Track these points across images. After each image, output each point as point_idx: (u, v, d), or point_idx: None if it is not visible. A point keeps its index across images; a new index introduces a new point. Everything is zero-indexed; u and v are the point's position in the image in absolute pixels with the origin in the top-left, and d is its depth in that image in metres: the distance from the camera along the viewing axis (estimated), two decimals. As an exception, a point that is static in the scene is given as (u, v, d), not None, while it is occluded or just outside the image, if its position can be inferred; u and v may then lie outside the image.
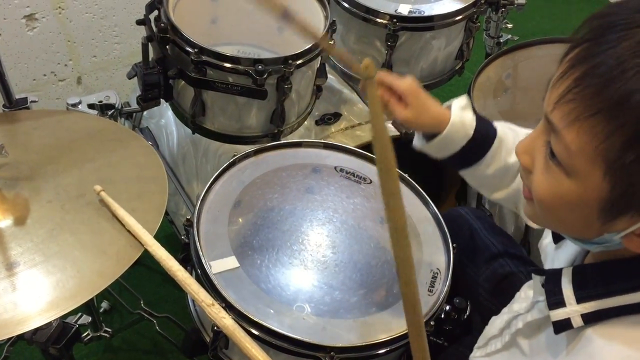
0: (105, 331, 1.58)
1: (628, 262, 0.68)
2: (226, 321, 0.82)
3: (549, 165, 0.65)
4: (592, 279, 0.70)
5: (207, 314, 0.84)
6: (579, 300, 0.69)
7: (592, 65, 0.59)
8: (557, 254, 0.86)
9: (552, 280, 0.73)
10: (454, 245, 1.16)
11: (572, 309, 0.69)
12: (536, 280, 0.80)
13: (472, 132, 1.02)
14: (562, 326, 0.71)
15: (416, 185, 1.26)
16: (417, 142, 1.10)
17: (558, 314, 0.71)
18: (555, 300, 0.71)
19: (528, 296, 0.85)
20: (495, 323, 0.93)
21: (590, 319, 0.68)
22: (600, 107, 0.57)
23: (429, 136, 1.05)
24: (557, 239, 0.82)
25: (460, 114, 1.03)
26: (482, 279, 1.21)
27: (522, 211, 1.03)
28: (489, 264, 1.19)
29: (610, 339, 0.66)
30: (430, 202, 1.23)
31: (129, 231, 0.93)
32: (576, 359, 0.69)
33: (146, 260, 1.86)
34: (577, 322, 0.69)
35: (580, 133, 0.59)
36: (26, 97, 1.28)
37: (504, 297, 0.95)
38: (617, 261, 0.69)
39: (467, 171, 1.08)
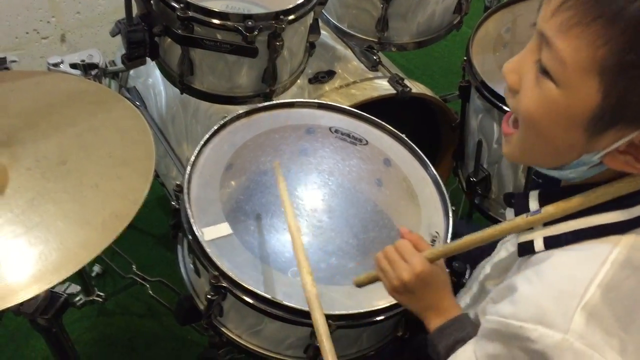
0: (98, 295, 1.57)
1: (591, 186, 0.68)
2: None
3: (539, 80, 0.64)
4: (557, 201, 0.71)
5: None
6: (545, 223, 0.71)
7: None
8: None
9: (521, 203, 0.75)
10: (453, 208, 1.13)
11: (538, 232, 0.71)
12: (508, 213, 0.80)
13: None
14: (525, 249, 0.73)
15: (414, 146, 1.23)
16: None
17: (524, 237, 0.73)
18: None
19: None
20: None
21: (551, 243, 0.70)
22: (600, 13, 0.57)
23: None
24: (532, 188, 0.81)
25: None
26: None
27: None
28: None
29: (559, 258, 0.68)
30: (429, 164, 1.20)
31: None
32: (524, 273, 0.70)
33: (138, 223, 1.88)
34: (539, 245, 0.71)
35: (578, 40, 0.59)
36: (5, 57, 1.23)
37: None
38: (582, 185, 0.70)
39: None
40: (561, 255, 0.69)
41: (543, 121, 0.65)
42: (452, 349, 0.79)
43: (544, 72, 0.63)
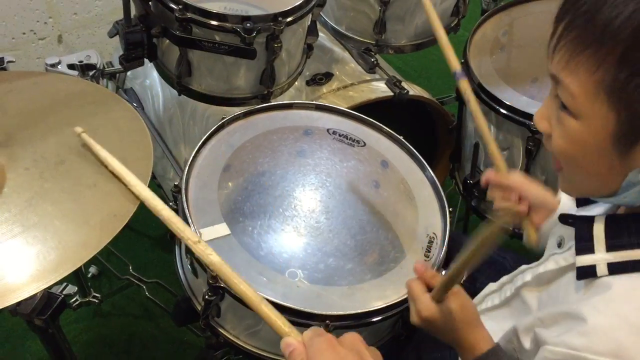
0: (94, 297, 1.57)
1: None
2: (213, 258, 0.78)
3: (561, 117, 0.68)
4: (626, 228, 0.70)
5: (193, 251, 0.81)
6: (609, 248, 0.69)
7: (575, 7, 0.64)
8: None
9: (583, 226, 0.74)
10: (449, 209, 1.13)
11: (600, 257, 0.70)
12: (558, 228, 0.80)
13: None
14: (585, 273, 0.71)
15: (412, 148, 1.23)
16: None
17: (584, 260, 0.71)
18: (584, 245, 0.72)
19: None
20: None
21: (616, 269, 0.68)
22: (588, 43, 0.62)
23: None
24: (580, 202, 0.82)
25: None
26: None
27: None
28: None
29: (630, 289, 0.67)
30: (427, 165, 1.20)
31: (112, 172, 0.89)
32: (591, 302, 0.68)
33: (134, 224, 1.88)
34: (602, 270, 0.69)
35: (577, 71, 0.64)
36: (2, 57, 1.22)
37: None
38: None
39: None
40: (631, 283, 0.67)
41: (575, 154, 0.69)
42: None
43: (564, 106, 0.67)
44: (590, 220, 0.73)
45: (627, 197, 0.69)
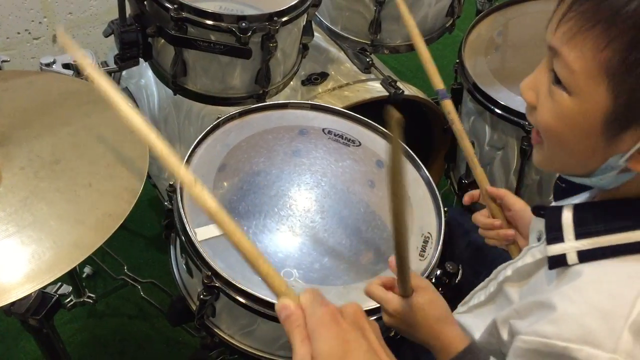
0: (89, 297, 1.56)
1: (630, 200, 0.69)
2: (209, 203, 0.68)
3: (552, 90, 0.67)
4: (592, 215, 0.70)
5: (189, 193, 0.74)
6: (578, 236, 0.70)
7: None
8: None
9: (553, 216, 0.74)
10: (445, 209, 1.13)
11: (570, 245, 0.70)
12: (535, 222, 0.80)
13: None
14: (556, 262, 0.71)
15: (407, 148, 1.23)
16: None
17: (555, 249, 0.71)
18: (554, 235, 0.72)
19: None
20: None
21: (586, 256, 0.68)
22: (599, 18, 0.60)
23: None
24: (559, 196, 0.81)
25: None
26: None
27: None
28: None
29: (599, 275, 0.67)
30: (422, 165, 1.20)
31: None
32: (561, 291, 0.69)
33: (129, 224, 1.87)
34: (572, 258, 0.69)
35: (582, 47, 0.61)
36: (-3, 57, 1.22)
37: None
38: (618, 199, 0.70)
39: None
40: (600, 271, 0.68)
41: (561, 131, 0.67)
42: None
43: (557, 81, 0.65)
44: (559, 209, 0.73)
45: (602, 179, 0.69)
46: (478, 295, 0.93)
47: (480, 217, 1.06)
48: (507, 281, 0.86)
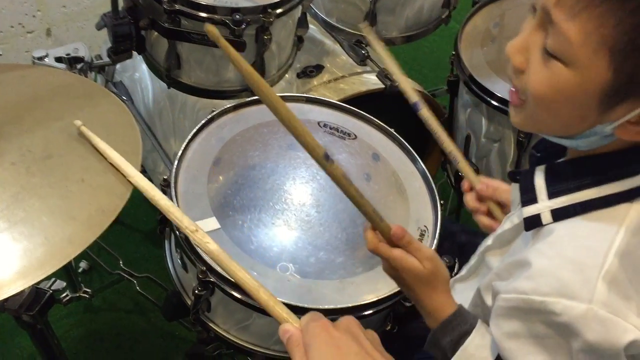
0: (85, 292, 1.56)
1: (599, 156, 0.69)
2: (211, 246, 0.78)
3: (547, 60, 0.65)
4: (564, 173, 0.71)
5: (191, 240, 0.81)
6: (551, 195, 0.71)
7: None
8: None
9: (526, 179, 0.75)
10: (441, 202, 1.13)
11: (543, 205, 0.71)
12: (514, 188, 0.80)
13: None
14: (532, 223, 0.72)
15: (403, 140, 1.22)
16: None
17: (529, 210, 0.72)
18: (527, 197, 0.73)
19: None
20: None
21: (559, 215, 0.70)
22: None
23: None
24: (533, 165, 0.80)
25: None
26: None
27: None
28: None
29: (572, 230, 0.68)
30: (418, 158, 1.20)
31: (111, 164, 0.90)
32: (536, 247, 0.70)
33: (125, 219, 1.86)
34: (546, 218, 0.71)
35: (588, 22, 0.59)
36: (-11, 51, 1.21)
37: None
38: (588, 157, 0.70)
39: None
40: (572, 226, 0.69)
41: (554, 100, 0.66)
42: (458, 342, 0.79)
43: (551, 55, 0.64)
44: (532, 172, 0.74)
45: (582, 142, 0.69)
46: (462, 270, 0.93)
47: (471, 202, 1.03)
48: (488, 250, 0.87)
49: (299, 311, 0.92)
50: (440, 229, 1.09)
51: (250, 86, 0.76)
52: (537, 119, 0.71)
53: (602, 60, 0.60)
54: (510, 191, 1.00)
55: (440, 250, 1.08)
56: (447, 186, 1.66)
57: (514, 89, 0.72)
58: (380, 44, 1.12)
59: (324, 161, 0.79)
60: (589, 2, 0.59)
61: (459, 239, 1.17)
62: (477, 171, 1.49)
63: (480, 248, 0.89)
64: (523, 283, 0.68)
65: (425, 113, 1.07)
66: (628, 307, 0.64)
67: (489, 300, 0.81)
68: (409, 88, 1.07)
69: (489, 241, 0.87)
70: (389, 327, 1.07)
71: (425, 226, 1.10)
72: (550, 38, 0.63)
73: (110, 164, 0.90)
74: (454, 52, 1.49)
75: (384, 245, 0.84)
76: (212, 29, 0.75)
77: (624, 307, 0.64)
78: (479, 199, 1.01)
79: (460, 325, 0.80)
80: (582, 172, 0.70)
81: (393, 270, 0.85)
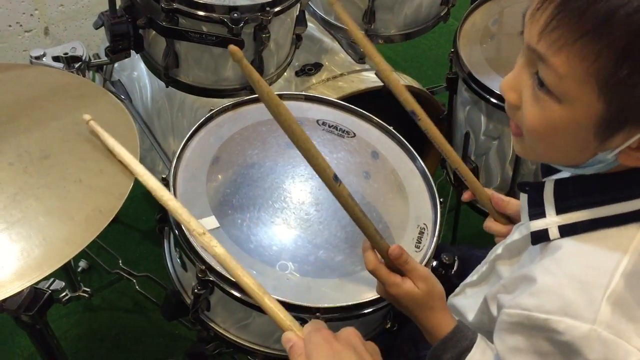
0: (84, 291, 1.55)
1: (606, 176, 0.69)
2: (218, 249, 0.80)
3: (538, 95, 0.65)
4: (573, 190, 0.71)
5: (199, 242, 0.83)
6: (559, 211, 0.71)
7: None
8: None
9: (535, 192, 0.75)
10: (440, 200, 1.13)
11: (551, 220, 0.71)
12: (523, 199, 0.80)
13: None
14: (539, 237, 0.72)
15: (402, 138, 1.22)
16: None
17: (537, 225, 0.72)
18: (536, 211, 0.73)
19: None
20: None
21: (567, 231, 0.69)
22: (587, 29, 0.57)
23: None
24: (544, 172, 0.80)
25: None
26: None
27: None
28: None
29: (578, 248, 0.68)
30: (417, 156, 1.19)
31: (120, 161, 0.90)
32: (541, 264, 0.70)
33: (124, 218, 1.86)
34: (553, 233, 0.70)
35: (570, 58, 0.59)
36: (-14, 50, 1.20)
37: None
38: (597, 175, 0.70)
39: None
40: (579, 243, 0.68)
41: (548, 135, 0.66)
42: (459, 359, 0.79)
43: (542, 85, 0.63)
44: (541, 185, 0.74)
45: (589, 170, 0.69)
46: (470, 275, 0.93)
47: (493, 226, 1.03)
48: (498, 259, 0.87)
49: (298, 309, 0.93)
50: (440, 227, 1.09)
51: (268, 108, 0.77)
52: (537, 152, 0.71)
53: (591, 93, 0.60)
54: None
55: (441, 251, 1.08)
56: (446, 184, 1.66)
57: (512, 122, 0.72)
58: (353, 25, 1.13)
59: (333, 182, 0.82)
60: (566, 39, 0.59)
61: (461, 251, 1.18)
62: (477, 169, 1.49)
63: (491, 256, 0.89)
64: (527, 299, 0.68)
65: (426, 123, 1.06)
66: (632, 329, 0.63)
67: (494, 311, 0.81)
68: (407, 96, 1.07)
69: (498, 250, 0.87)
70: (388, 325, 1.07)
71: (424, 224, 1.10)
72: (540, 68, 0.63)
73: (119, 161, 0.91)
74: (452, 50, 1.49)
75: (384, 269, 0.85)
76: (235, 50, 0.73)
77: (628, 329, 0.63)
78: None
79: (460, 341, 0.81)
80: (592, 189, 0.70)
81: (388, 294, 0.87)
